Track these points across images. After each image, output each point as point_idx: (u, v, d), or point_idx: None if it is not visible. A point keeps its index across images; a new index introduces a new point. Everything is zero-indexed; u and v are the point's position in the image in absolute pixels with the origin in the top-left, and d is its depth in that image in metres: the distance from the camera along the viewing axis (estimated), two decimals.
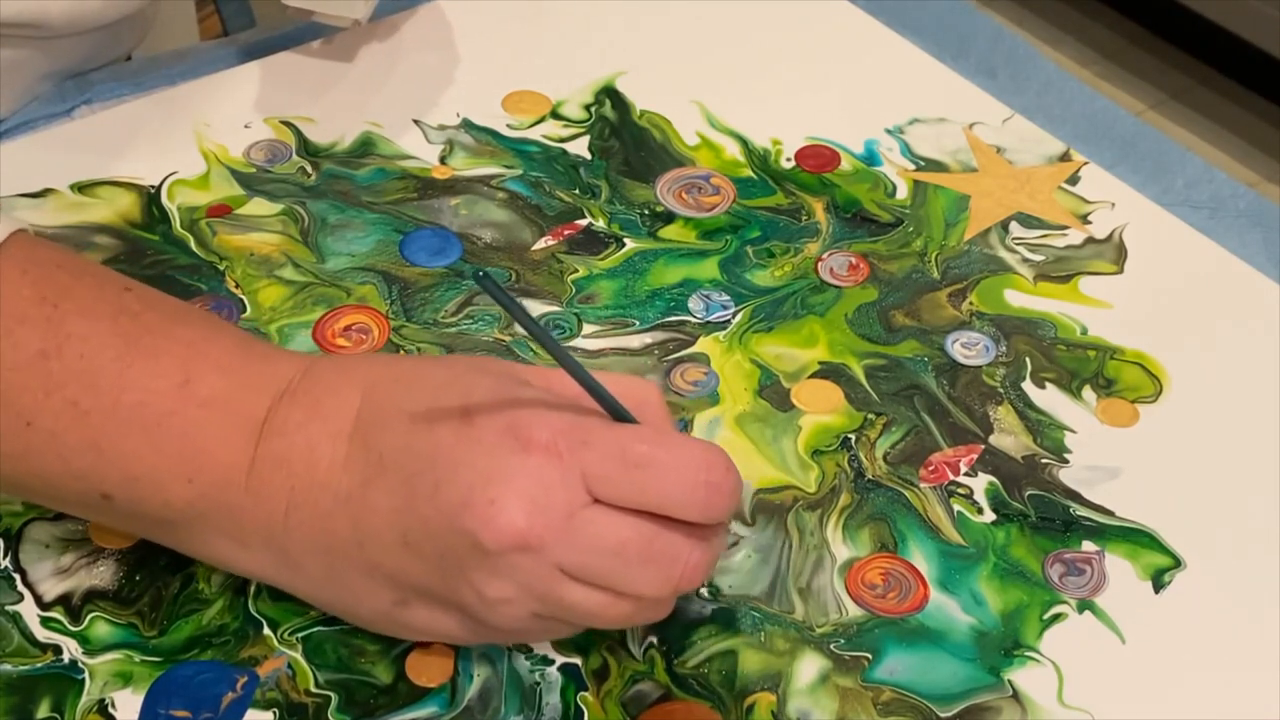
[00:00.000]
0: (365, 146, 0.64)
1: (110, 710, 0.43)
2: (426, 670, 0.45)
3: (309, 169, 0.62)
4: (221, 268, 0.57)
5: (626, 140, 0.66)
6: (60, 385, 0.41)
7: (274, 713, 0.44)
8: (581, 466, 0.39)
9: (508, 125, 0.66)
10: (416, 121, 0.66)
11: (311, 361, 0.44)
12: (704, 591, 0.48)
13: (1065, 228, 0.63)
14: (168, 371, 0.42)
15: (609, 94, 0.68)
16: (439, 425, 0.40)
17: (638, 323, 0.57)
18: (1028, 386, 0.56)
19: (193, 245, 0.58)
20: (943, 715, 0.45)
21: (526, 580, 0.40)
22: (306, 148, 0.64)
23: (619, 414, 0.41)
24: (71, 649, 0.45)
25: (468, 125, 0.66)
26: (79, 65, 0.67)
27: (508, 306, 0.38)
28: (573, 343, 0.56)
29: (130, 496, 0.42)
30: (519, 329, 0.56)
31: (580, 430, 0.40)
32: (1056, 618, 0.48)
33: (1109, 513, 0.52)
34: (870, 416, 0.54)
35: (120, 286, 0.45)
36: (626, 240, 0.61)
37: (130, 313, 0.43)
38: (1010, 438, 0.54)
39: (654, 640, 0.46)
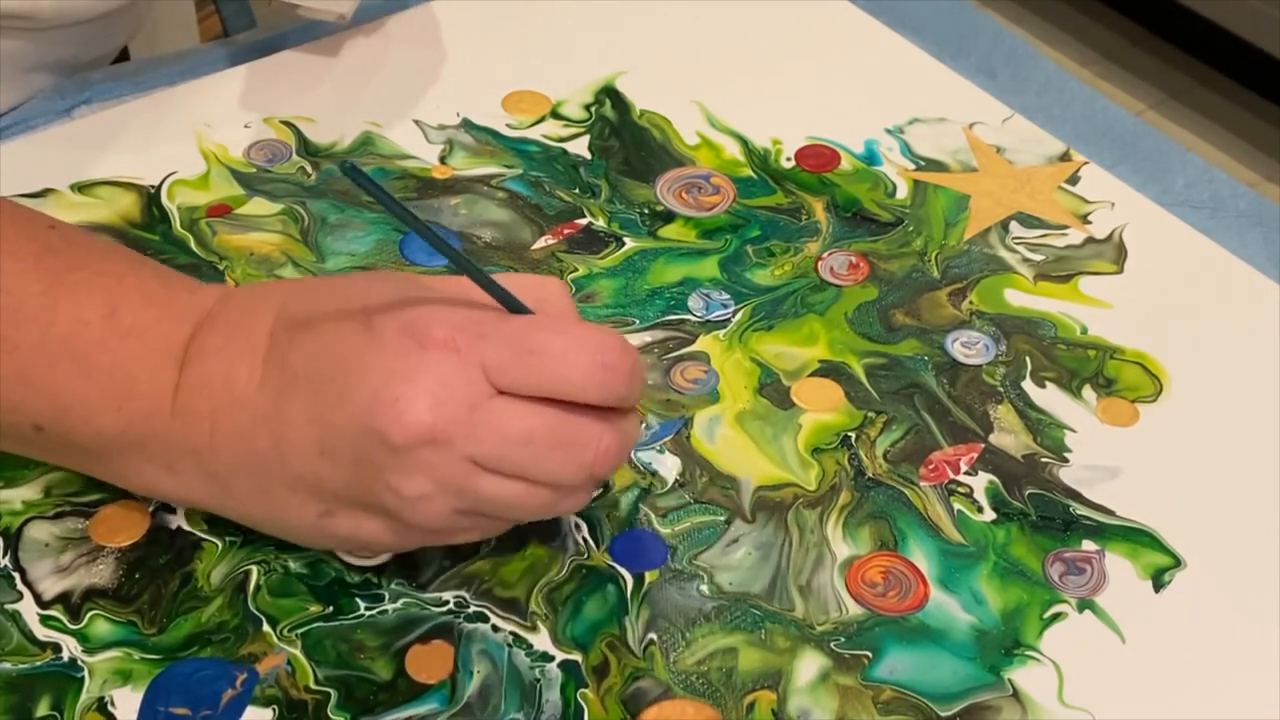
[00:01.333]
0: (365, 146, 0.64)
1: (110, 708, 0.43)
2: (426, 667, 0.45)
3: (309, 169, 0.62)
4: (221, 268, 0.57)
5: (626, 140, 0.66)
6: None
7: (273, 710, 0.44)
8: (480, 358, 0.41)
9: (508, 125, 0.66)
10: (416, 121, 0.66)
11: (230, 290, 0.46)
12: (704, 589, 0.48)
13: (1065, 227, 0.63)
14: (94, 304, 0.44)
15: (609, 94, 0.68)
16: (343, 335, 0.42)
17: (638, 321, 0.57)
18: (1028, 386, 0.56)
19: (193, 245, 0.58)
20: (943, 714, 0.45)
21: (440, 474, 0.41)
22: (306, 148, 0.64)
23: (513, 306, 0.43)
24: (71, 647, 0.45)
25: (468, 125, 0.66)
26: (72, 58, 0.67)
27: (381, 199, 0.39)
28: None
29: (61, 428, 0.44)
30: None
31: (476, 324, 0.41)
32: (1056, 617, 0.48)
33: (1109, 512, 0.52)
34: (870, 415, 0.54)
35: (45, 225, 0.46)
36: (626, 239, 0.61)
37: (55, 250, 0.45)
38: (1010, 437, 0.54)
39: (654, 638, 0.46)
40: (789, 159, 0.66)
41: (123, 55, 0.80)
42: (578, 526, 0.49)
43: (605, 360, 0.41)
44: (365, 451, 0.41)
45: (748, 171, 0.65)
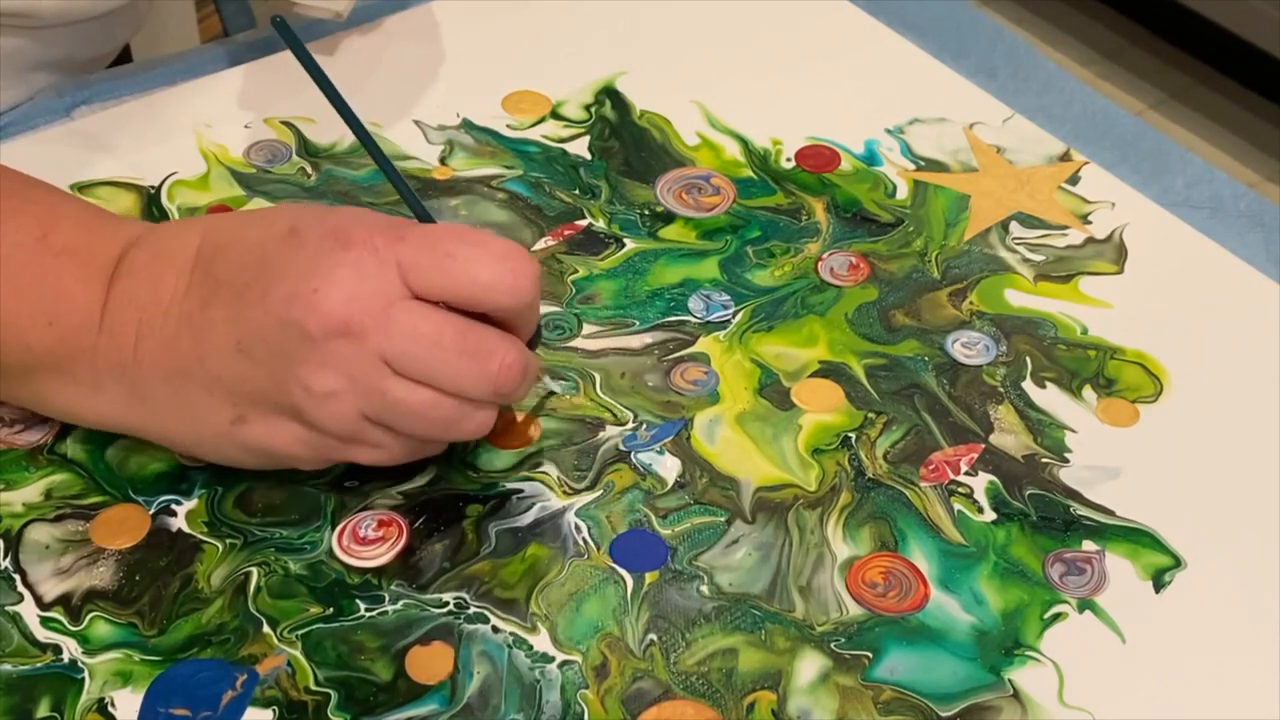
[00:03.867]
0: None
1: (110, 709, 0.43)
2: (426, 668, 0.45)
3: (309, 169, 0.62)
4: None
5: (626, 140, 0.66)
6: None
7: (274, 711, 0.44)
8: (396, 258, 0.43)
9: (508, 125, 0.66)
10: (416, 122, 0.66)
11: (160, 224, 0.49)
12: (704, 590, 0.48)
13: (1065, 228, 0.63)
14: (27, 227, 0.46)
15: (609, 94, 0.68)
16: (266, 243, 0.44)
17: (638, 322, 0.57)
18: (1028, 386, 0.56)
19: None
20: (943, 714, 0.45)
21: (351, 370, 0.43)
22: (306, 148, 0.64)
23: (423, 215, 0.47)
24: (71, 649, 0.45)
25: (468, 125, 0.66)
26: (72, 57, 0.67)
27: (304, 62, 0.43)
28: (573, 342, 0.56)
29: None
30: None
31: (395, 228, 0.44)
32: (1057, 617, 0.48)
33: (1109, 512, 0.52)
34: (870, 415, 0.54)
35: None
36: (626, 240, 0.61)
37: None
38: (1011, 437, 0.54)
39: (654, 638, 0.46)
40: (789, 159, 0.66)
41: (124, 54, 0.80)
42: (578, 528, 0.49)
43: (513, 266, 0.44)
44: (281, 345, 0.43)
45: (748, 172, 0.65)
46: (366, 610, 0.46)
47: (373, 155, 0.47)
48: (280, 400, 0.44)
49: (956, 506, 0.51)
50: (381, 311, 0.43)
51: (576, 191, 0.63)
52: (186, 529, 0.48)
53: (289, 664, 0.45)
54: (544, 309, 0.57)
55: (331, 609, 0.46)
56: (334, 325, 0.42)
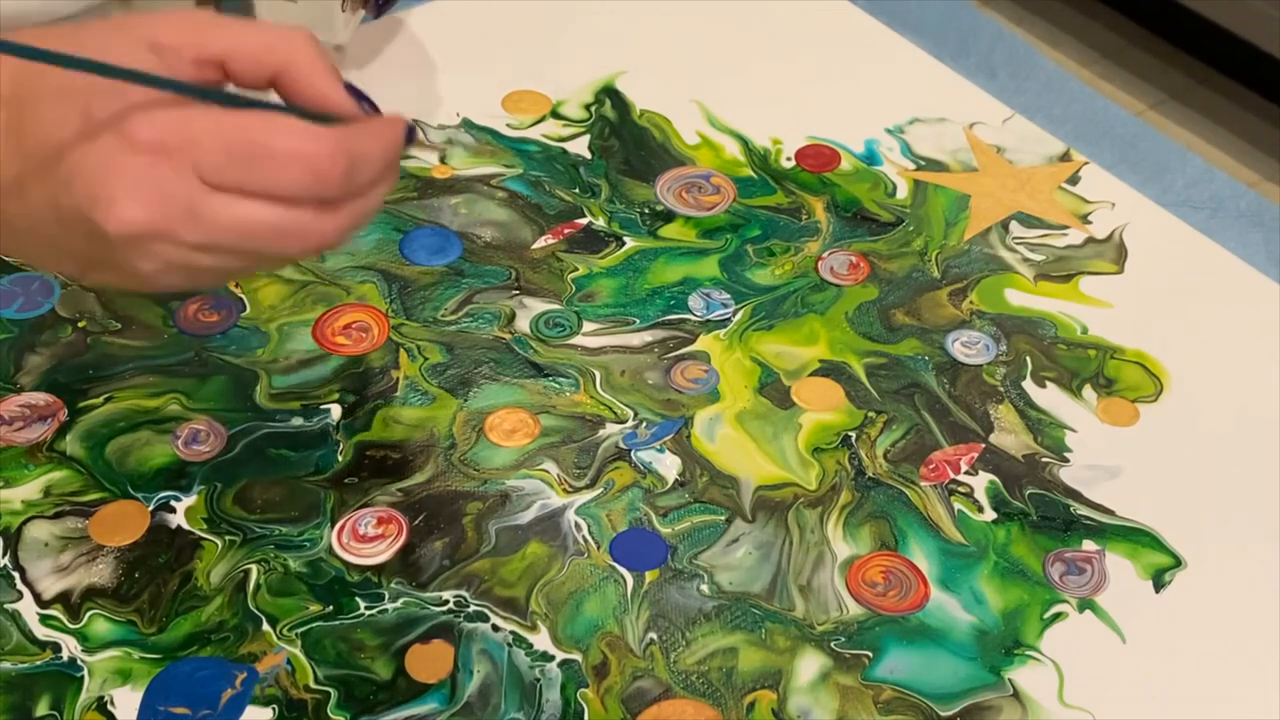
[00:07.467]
0: None
1: (109, 707, 0.43)
2: (426, 666, 0.45)
3: None
4: None
5: (626, 139, 0.66)
6: None
7: (273, 709, 0.44)
8: (192, 161, 0.41)
9: (508, 125, 0.66)
10: (416, 121, 0.66)
11: None
12: (704, 589, 0.48)
13: (1065, 227, 0.63)
14: None
15: (609, 94, 0.68)
16: (62, 124, 0.42)
17: (638, 321, 0.57)
18: (1028, 385, 0.56)
19: None
20: (943, 714, 0.45)
21: (170, 259, 0.42)
22: None
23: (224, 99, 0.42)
24: (70, 646, 0.45)
25: (468, 125, 0.66)
26: None
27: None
28: (573, 340, 0.56)
29: None
30: (520, 326, 0.56)
31: (187, 126, 0.41)
32: (1057, 617, 0.48)
33: (1109, 512, 0.52)
34: (871, 415, 0.54)
35: None
36: (626, 239, 0.61)
37: None
38: (1011, 436, 0.54)
39: (654, 637, 0.46)
40: (789, 159, 0.66)
41: None
42: (578, 526, 0.49)
43: (317, 169, 0.41)
44: (95, 237, 0.42)
45: (748, 171, 0.65)
46: (366, 608, 0.46)
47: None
48: (115, 265, 0.43)
49: (957, 506, 0.51)
50: (185, 214, 0.41)
51: (576, 190, 0.63)
52: (186, 526, 0.48)
53: (288, 662, 0.45)
54: (544, 306, 0.57)
55: (331, 607, 0.46)
56: (136, 232, 0.41)
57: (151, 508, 0.49)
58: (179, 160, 0.41)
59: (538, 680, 0.45)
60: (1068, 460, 0.53)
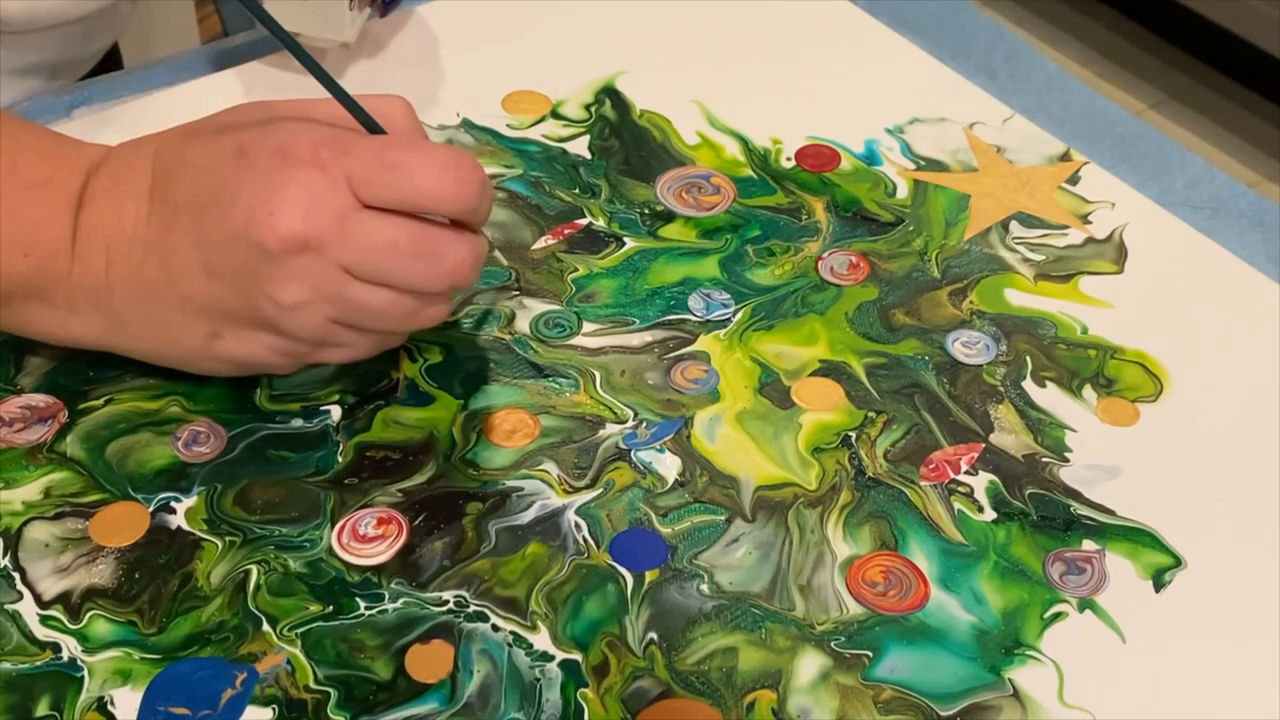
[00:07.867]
0: None
1: (109, 708, 0.43)
2: (426, 666, 0.45)
3: None
4: None
5: (626, 140, 0.66)
6: None
7: (273, 709, 0.44)
8: (345, 173, 0.45)
9: (508, 125, 0.66)
10: None
11: (114, 146, 0.50)
12: (704, 589, 0.48)
13: (1065, 227, 0.63)
14: None
15: (609, 94, 0.68)
16: (217, 165, 0.46)
17: (638, 321, 0.57)
18: (1028, 385, 0.56)
19: None
20: (943, 714, 0.45)
21: (315, 281, 0.45)
22: None
23: (371, 126, 0.48)
24: (71, 647, 0.45)
25: (468, 125, 0.66)
26: (52, 61, 0.67)
27: (256, 11, 0.45)
28: (573, 341, 0.56)
29: None
30: (520, 327, 0.56)
31: (340, 142, 0.46)
32: (1057, 616, 0.48)
33: (1109, 512, 0.52)
34: (871, 415, 0.54)
35: None
36: (626, 239, 0.61)
37: None
38: (1011, 436, 0.54)
39: (654, 637, 0.46)
40: (789, 159, 0.66)
41: (113, 59, 0.80)
42: (578, 526, 0.49)
43: (458, 175, 0.46)
44: (246, 265, 0.45)
45: (748, 171, 0.65)
46: (366, 608, 0.46)
47: (331, 90, 0.48)
48: (252, 314, 0.47)
49: (956, 506, 0.51)
50: (336, 226, 0.45)
51: (576, 191, 0.63)
52: (186, 526, 0.48)
53: (288, 662, 0.45)
54: (544, 307, 0.57)
55: (331, 607, 0.46)
56: (293, 242, 0.44)
57: (152, 509, 0.49)
58: (334, 172, 0.45)
59: (538, 680, 0.45)
60: (1068, 460, 0.53)
